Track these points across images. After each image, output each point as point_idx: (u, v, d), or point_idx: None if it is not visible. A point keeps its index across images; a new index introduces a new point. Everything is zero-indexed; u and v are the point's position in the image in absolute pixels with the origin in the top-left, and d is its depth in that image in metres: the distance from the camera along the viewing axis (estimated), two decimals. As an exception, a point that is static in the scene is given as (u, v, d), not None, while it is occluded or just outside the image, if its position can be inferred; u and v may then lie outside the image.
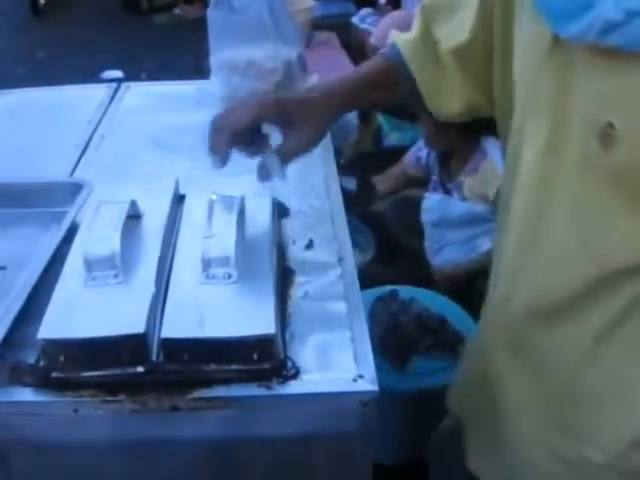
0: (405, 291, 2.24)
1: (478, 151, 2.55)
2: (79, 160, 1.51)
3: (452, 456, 1.35)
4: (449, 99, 1.20)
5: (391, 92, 1.24)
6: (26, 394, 0.97)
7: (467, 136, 2.54)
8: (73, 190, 1.27)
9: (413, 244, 2.75)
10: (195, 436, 1.00)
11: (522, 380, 1.09)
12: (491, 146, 2.55)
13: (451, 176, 2.65)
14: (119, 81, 1.92)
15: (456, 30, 1.14)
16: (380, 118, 3.35)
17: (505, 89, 1.07)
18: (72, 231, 1.19)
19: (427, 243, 2.67)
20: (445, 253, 2.62)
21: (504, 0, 1.05)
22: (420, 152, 2.88)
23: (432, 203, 2.64)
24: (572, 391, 1.03)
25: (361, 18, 3.89)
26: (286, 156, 1.10)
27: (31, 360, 1.00)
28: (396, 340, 2.02)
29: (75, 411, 0.96)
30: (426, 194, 2.69)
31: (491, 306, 1.15)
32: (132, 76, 2.36)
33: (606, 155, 0.85)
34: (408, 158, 2.98)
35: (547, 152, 0.94)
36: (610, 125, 0.83)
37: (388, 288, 2.24)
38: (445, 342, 2.09)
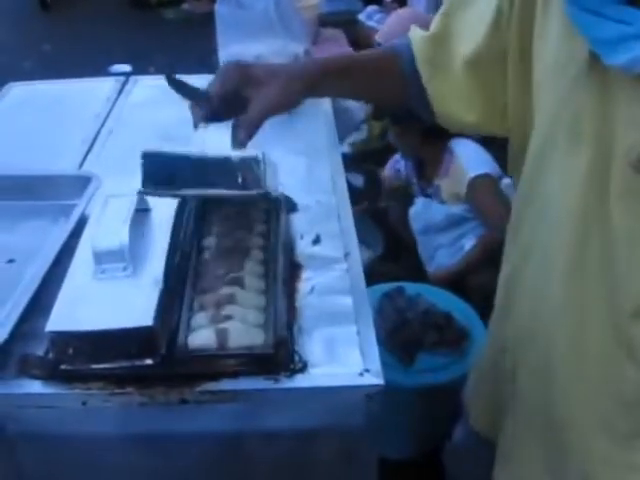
0: (411, 287, 2.25)
1: (447, 153, 2.57)
2: (87, 153, 1.52)
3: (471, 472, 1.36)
4: (461, 108, 1.14)
5: (382, 82, 1.19)
6: (35, 386, 0.97)
7: (432, 141, 2.56)
8: (82, 183, 1.28)
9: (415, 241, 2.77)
10: (203, 429, 1.01)
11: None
12: (456, 145, 2.57)
13: (428, 181, 2.68)
14: (127, 75, 1.92)
15: (470, 34, 1.09)
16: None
17: (521, 105, 1.05)
18: (81, 224, 1.19)
19: (420, 251, 2.70)
20: (437, 258, 2.65)
21: (522, 12, 1.00)
22: (398, 164, 2.91)
23: (418, 210, 2.67)
24: None
25: (368, 15, 3.89)
26: (251, 119, 1.05)
27: (40, 352, 1.00)
28: (403, 336, 2.02)
29: (84, 404, 0.97)
30: (415, 200, 2.73)
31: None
32: (140, 70, 2.36)
33: None
34: (387, 171, 2.99)
35: (589, 182, 0.91)
36: None
37: (395, 284, 2.25)
38: (450, 338, 2.10)
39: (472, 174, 2.47)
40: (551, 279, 1.01)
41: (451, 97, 1.14)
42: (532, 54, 1.00)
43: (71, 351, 0.97)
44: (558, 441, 1.08)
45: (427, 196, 2.67)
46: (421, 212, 2.64)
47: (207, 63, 2.46)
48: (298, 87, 1.09)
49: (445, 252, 2.61)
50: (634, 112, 0.84)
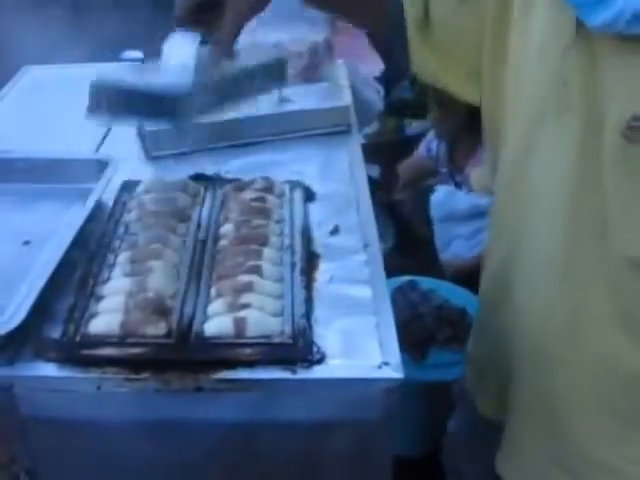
0: (425, 282, 2.24)
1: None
2: (104, 138, 1.50)
3: (470, 458, 1.34)
4: (436, 63, 1.16)
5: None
6: (50, 369, 0.96)
7: (472, 128, 2.52)
8: (99, 167, 1.26)
9: (431, 235, 2.75)
10: (217, 417, 0.99)
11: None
12: None
13: (459, 168, 2.64)
14: (140, 61, 1.90)
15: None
16: (404, 107, 3.34)
17: (495, 86, 1.06)
18: (97, 208, 1.18)
19: (436, 238, 2.67)
20: (453, 248, 2.62)
21: None
22: (431, 143, 2.86)
23: (439, 197, 2.64)
24: None
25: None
26: (227, 33, 1.05)
27: (56, 335, 0.99)
28: (415, 330, 2.01)
29: (98, 388, 0.96)
30: (436, 187, 2.69)
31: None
32: (151, 56, 2.34)
33: (634, 148, 0.84)
34: (420, 149, 2.96)
35: (581, 151, 0.92)
36: (636, 118, 0.82)
37: (407, 278, 2.23)
38: (464, 334, 2.08)
39: None
40: (547, 260, 1.01)
41: (428, 50, 1.15)
42: (510, 29, 1.01)
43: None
44: (559, 426, 1.08)
45: (455, 183, 2.64)
46: (444, 199, 2.61)
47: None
48: None
49: (463, 243, 2.58)
50: (622, 80, 0.85)
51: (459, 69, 1.13)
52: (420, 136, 3.18)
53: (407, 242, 2.87)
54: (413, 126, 3.35)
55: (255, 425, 1.01)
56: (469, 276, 2.47)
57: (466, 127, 2.52)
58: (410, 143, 3.13)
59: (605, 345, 0.99)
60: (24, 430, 1.01)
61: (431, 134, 2.85)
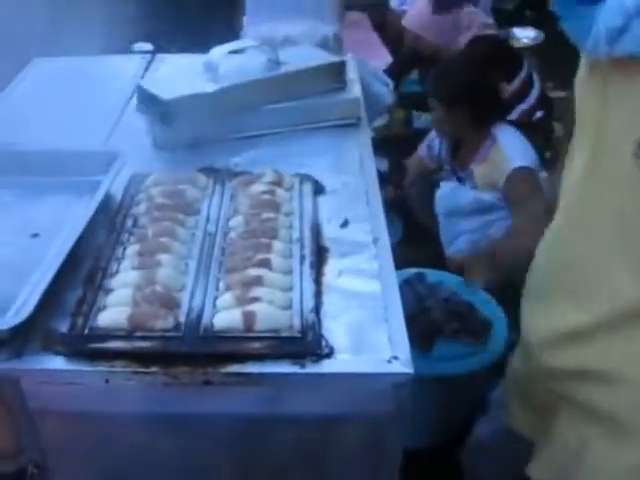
0: (432, 274, 2.22)
1: (488, 139, 2.52)
2: (113, 130, 1.50)
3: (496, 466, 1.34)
4: None
5: None
6: (58, 362, 0.96)
7: (477, 124, 2.51)
8: (107, 159, 1.26)
9: (437, 229, 2.74)
10: (226, 411, 0.99)
11: None
12: (500, 132, 2.52)
13: (462, 165, 2.63)
14: (152, 53, 1.90)
15: None
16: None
17: None
18: (106, 201, 1.18)
19: (441, 234, 2.66)
20: (458, 243, 2.61)
21: None
22: (433, 141, 2.85)
23: (444, 193, 2.62)
24: None
25: (400, 0, 3.84)
26: None
27: (63, 329, 0.99)
28: (423, 323, 2.00)
29: (106, 381, 0.95)
30: (441, 183, 2.68)
31: None
32: (162, 50, 2.35)
33: None
34: (421, 148, 2.95)
35: (590, 170, 0.95)
36: None
37: (415, 271, 2.22)
38: (471, 328, 2.07)
39: (516, 165, 2.42)
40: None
41: None
42: None
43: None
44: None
45: (458, 179, 2.63)
46: (448, 195, 2.59)
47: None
48: None
49: (467, 238, 2.57)
50: (627, 100, 0.88)
51: None
52: (427, 130, 3.17)
53: (414, 235, 2.86)
54: (422, 119, 3.33)
55: (263, 419, 1.00)
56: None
57: (469, 126, 2.51)
58: (418, 136, 3.12)
59: None
60: (32, 423, 1.01)
61: (432, 133, 2.84)
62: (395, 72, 3.22)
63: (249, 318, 0.97)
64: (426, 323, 2.03)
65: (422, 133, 3.14)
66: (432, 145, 2.83)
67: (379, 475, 1.07)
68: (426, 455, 2.10)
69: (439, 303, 2.11)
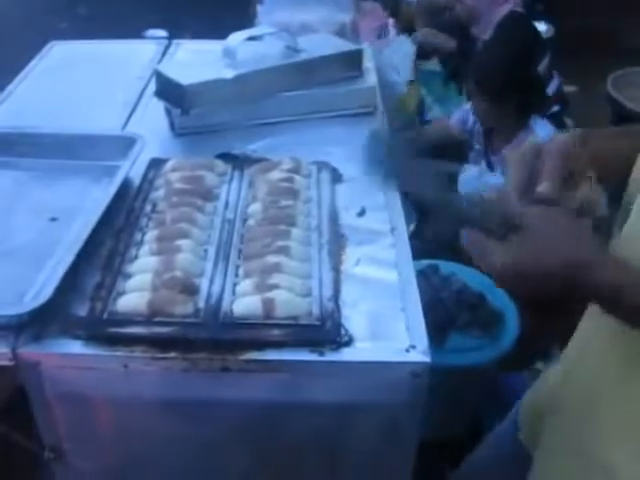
0: (446, 266, 2.22)
1: (525, 130, 2.51)
2: (130, 115, 1.50)
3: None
4: None
5: None
6: (76, 347, 0.96)
7: (518, 115, 2.50)
8: (126, 144, 1.26)
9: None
10: (244, 398, 0.99)
11: None
12: (537, 125, 2.51)
13: (494, 149, 2.62)
14: (168, 40, 1.89)
15: None
16: (423, 90, 3.31)
17: None
18: (125, 185, 1.18)
19: None
20: None
21: None
22: (467, 116, 2.83)
23: (471, 175, 2.60)
24: None
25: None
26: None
27: (82, 313, 0.99)
28: (436, 315, 2.00)
29: (125, 366, 0.95)
30: (466, 166, 2.66)
31: None
32: (175, 36, 2.34)
33: None
34: (455, 118, 2.92)
35: None
36: None
37: (429, 262, 2.22)
38: (483, 319, 2.07)
39: None
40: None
41: None
42: None
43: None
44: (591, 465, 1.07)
45: (488, 163, 2.61)
46: (475, 178, 2.57)
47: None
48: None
49: None
50: None
51: None
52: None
53: (426, 225, 2.86)
54: (433, 111, 3.32)
55: (281, 406, 1.00)
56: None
57: (512, 116, 2.50)
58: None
59: None
60: (49, 407, 1.01)
61: (467, 107, 2.82)
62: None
63: (268, 305, 0.97)
64: (439, 315, 2.03)
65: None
66: (466, 119, 2.81)
67: (394, 463, 1.08)
68: (435, 445, 2.11)
69: (451, 295, 2.11)
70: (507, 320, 2.11)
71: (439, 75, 3.41)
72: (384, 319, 1.02)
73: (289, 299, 0.99)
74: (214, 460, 1.07)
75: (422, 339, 0.99)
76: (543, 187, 0.85)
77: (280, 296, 0.99)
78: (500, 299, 2.17)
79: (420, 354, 0.97)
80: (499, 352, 2.00)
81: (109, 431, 1.05)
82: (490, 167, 2.60)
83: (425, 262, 2.22)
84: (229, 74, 1.40)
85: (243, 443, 1.04)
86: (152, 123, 1.46)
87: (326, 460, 1.07)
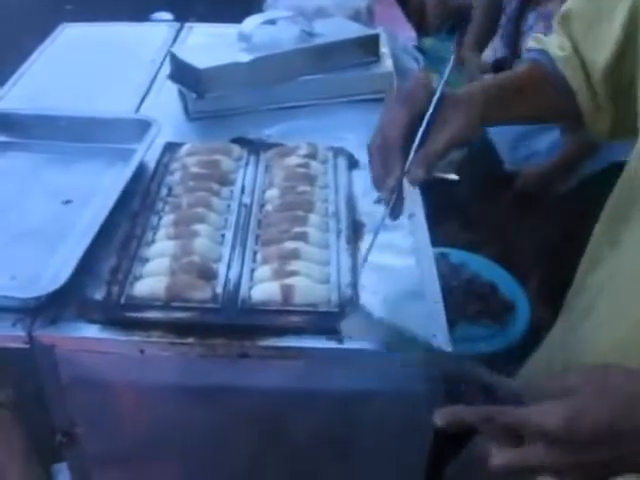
0: (456, 255, 2.21)
1: None
2: (143, 100, 1.48)
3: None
4: (600, 120, 1.04)
5: (540, 101, 1.06)
6: (92, 331, 0.94)
7: None
8: (141, 128, 1.24)
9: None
10: (262, 385, 0.98)
11: None
12: None
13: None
14: (179, 22, 1.88)
15: (601, 46, 0.99)
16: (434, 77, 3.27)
17: None
18: (140, 169, 1.16)
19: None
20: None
21: None
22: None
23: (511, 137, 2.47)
24: None
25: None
26: (435, 151, 0.91)
27: (98, 297, 0.98)
28: (446, 304, 1.98)
29: (142, 352, 0.94)
30: None
31: None
32: (180, 19, 2.33)
33: None
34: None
35: None
36: None
37: (438, 250, 2.20)
38: (494, 309, 2.06)
39: None
40: None
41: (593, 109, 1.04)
42: None
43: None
44: None
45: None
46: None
47: (251, 14, 2.39)
48: (477, 117, 0.94)
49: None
50: None
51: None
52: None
53: (438, 213, 2.84)
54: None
55: (299, 393, 0.99)
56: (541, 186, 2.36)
57: None
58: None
59: None
60: (63, 392, 1.00)
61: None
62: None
63: (287, 291, 0.96)
64: (449, 304, 2.01)
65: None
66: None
67: (410, 452, 1.06)
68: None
69: (461, 284, 2.09)
70: (518, 310, 2.10)
71: (448, 60, 3.36)
72: (403, 307, 1.01)
73: (308, 286, 0.98)
74: (228, 447, 1.06)
75: (442, 328, 0.99)
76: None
77: (299, 282, 0.97)
78: (511, 289, 2.16)
79: (441, 343, 0.95)
80: (509, 342, 1.99)
81: (123, 416, 1.04)
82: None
83: (435, 250, 2.20)
84: (245, 58, 1.38)
85: (258, 430, 1.03)
86: (165, 107, 1.45)
87: (342, 449, 1.06)
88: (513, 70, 1.07)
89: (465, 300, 2.06)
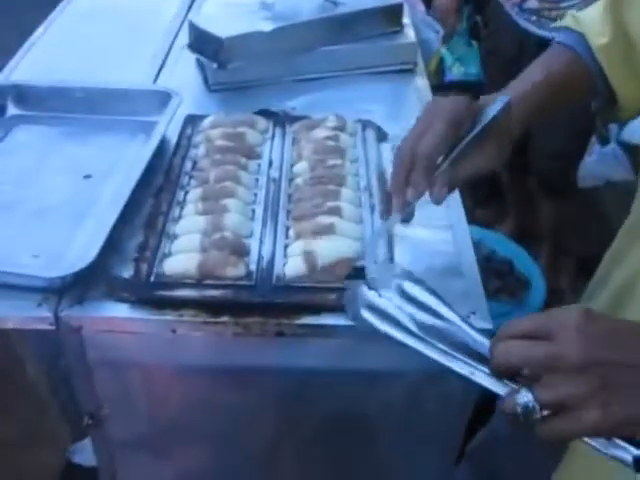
0: (473, 231, 2.17)
1: None
2: (160, 70, 1.43)
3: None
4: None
5: (578, 95, 1.02)
6: (121, 310, 0.90)
7: None
8: (161, 99, 1.20)
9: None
10: (298, 364, 0.95)
11: None
12: None
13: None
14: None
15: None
16: (442, 50, 3.22)
17: None
18: (162, 142, 1.12)
19: None
20: None
21: None
22: None
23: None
24: None
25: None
26: (458, 177, 0.89)
27: (127, 275, 0.94)
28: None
29: (173, 331, 0.90)
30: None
31: None
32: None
33: None
34: None
35: None
36: None
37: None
38: (512, 286, 2.03)
39: None
40: None
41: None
42: None
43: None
44: None
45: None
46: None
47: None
48: (509, 149, 0.91)
49: None
50: None
51: None
52: (460, 83, 3.06)
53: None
54: (453, 72, 3.24)
55: (336, 372, 0.96)
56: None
57: None
58: (449, 90, 3.04)
59: None
60: (90, 373, 0.97)
61: None
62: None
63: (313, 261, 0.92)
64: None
65: (454, 86, 3.06)
66: None
67: (446, 433, 1.04)
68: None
69: (480, 261, 2.06)
70: (534, 285, 2.08)
71: (461, 35, 3.31)
72: (440, 283, 0.97)
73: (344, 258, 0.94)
74: (257, 428, 1.03)
75: (482, 305, 0.95)
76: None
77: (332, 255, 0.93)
78: (526, 265, 2.13)
79: (480, 320, 0.92)
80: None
81: (152, 399, 1.01)
82: None
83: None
84: (267, 27, 1.33)
85: (296, 409, 1.00)
86: (183, 78, 1.40)
87: (380, 425, 1.03)
88: (551, 64, 0.98)
89: (484, 277, 2.03)
